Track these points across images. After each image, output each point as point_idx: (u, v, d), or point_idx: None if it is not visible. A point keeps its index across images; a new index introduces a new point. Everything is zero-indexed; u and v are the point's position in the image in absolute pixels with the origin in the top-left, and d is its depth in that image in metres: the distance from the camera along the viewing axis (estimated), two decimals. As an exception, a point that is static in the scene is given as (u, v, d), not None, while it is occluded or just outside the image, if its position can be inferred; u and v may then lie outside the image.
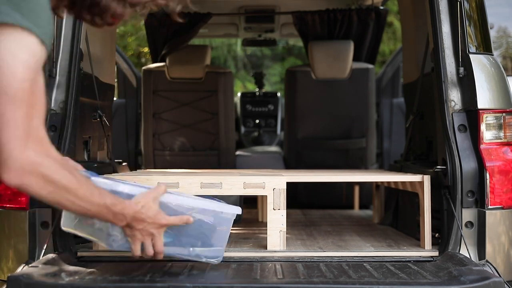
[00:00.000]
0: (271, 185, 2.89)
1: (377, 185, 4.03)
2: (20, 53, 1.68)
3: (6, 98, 1.66)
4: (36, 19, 1.70)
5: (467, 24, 2.97)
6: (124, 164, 3.82)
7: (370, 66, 5.16)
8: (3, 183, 1.73)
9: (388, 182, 3.52)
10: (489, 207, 2.81)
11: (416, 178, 3.02)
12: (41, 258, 2.72)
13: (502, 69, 2.99)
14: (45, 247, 2.77)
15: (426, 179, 2.95)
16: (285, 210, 2.89)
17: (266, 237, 2.90)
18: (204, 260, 2.37)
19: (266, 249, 2.89)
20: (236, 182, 2.90)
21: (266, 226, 2.91)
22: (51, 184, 1.79)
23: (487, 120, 2.87)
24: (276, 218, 2.88)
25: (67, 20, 2.98)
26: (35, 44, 1.70)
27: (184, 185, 2.89)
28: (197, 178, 2.91)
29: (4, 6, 1.67)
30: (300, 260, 2.76)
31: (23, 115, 1.69)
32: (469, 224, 2.83)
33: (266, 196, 2.90)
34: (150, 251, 2.21)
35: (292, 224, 3.82)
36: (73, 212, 2.01)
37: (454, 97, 2.94)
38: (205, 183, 2.89)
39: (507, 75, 3.02)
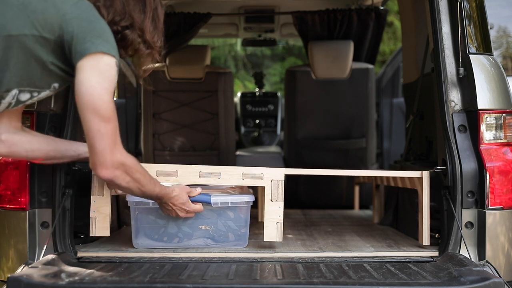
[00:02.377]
0: (269, 176, 2.89)
1: (377, 185, 4.03)
2: (103, 81, 2.23)
3: (99, 118, 2.23)
4: (111, 44, 2.26)
5: (467, 24, 2.97)
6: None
7: (370, 66, 5.16)
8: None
9: (388, 182, 3.52)
10: (489, 207, 2.80)
11: (415, 174, 3.02)
12: (41, 258, 2.72)
13: (502, 69, 2.99)
14: (45, 247, 2.77)
15: (425, 175, 2.95)
16: (283, 202, 2.88)
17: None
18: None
19: (264, 243, 2.90)
20: (235, 172, 2.90)
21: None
22: (128, 176, 2.40)
23: (487, 120, 2.87)
24: (273, 210, 2.88)
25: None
26: (112, 66, 2.25)
27: (183, 174, 2.89)
28: (196, 167, 2.90)
29: (95, 39, 2.22)
30: (300, 260, 2.77)
31: (111, 129, 2.26)
32: (469, 224, 2.83)
33: (264, 187, 2.89)
34: (180, 216, 2.86)
35: (292, 224, 3.82)
36: (136, 195, 2.59)
37: (454, 97, 2.94)
38: (204, 172, 2.89)
39: (507, 75, 3.02)
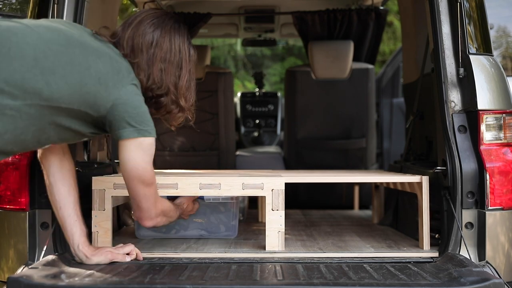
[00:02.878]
0: (270, 186, 2.89)
1: (377, 185, 4.02)
2: (146, 157, 2.52)
3: (144, 185, 2.55)
4: (151, 127, 2.50)
5: (467, 24, 2.97)
6: (124, 164, 3.81)
7: (370, 66, 5.16)
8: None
9: (388, 184, 3.52)
10: (489, 208, 2.80)
11: (414, 179, 3.02)
12: (41, 259, 2.72)
13: (502, 70, 2.99)
14: (45, 248, 2.77)
15: (425, 180, 2.95)
16: (284, 211, 2.89)
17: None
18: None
19: (263, 243, 2.90)
20: (235, 183, 2.91)
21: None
22: (165, 218, 2.78)
23: (487, 121, 2.87)
24: (275, 219, 2.88)
25: (67, 20, 2.97)
26: (153, 144, 2.52)
27: (183, 186, 2.90)
28: (196, 179, 2.91)
29: (138, 124, 2.45)
30: (300, 261, 2.76)
31: (154, 191, 2.61)
32: (469, 225, 2.82)
33: (265, 196, 2.91)
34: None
35: (292, 224, 3.82)
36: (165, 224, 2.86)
37: (454, 97, 2.94)
38: (204, 184, 2.90)
39: (507, 75, 3.02)
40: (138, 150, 2.49)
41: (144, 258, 2.78)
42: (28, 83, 2.24)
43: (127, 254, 2.74)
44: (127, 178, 2.54)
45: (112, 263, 2.66)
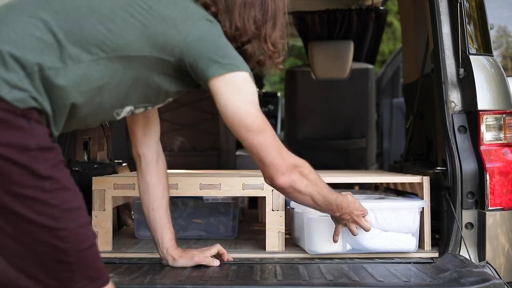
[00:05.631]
0: (270, 186, 2.89)
1: (377, 185, 4.02)
2: (245, 97, 2.16)
3: (254, 132, 2.19)
4: (239, 60, 2.15)
5: (467, 24, 2.97)
6: (124, 164, 3.82)
7: (370, 66, 5.16)
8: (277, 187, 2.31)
9: (388, 183, 3.52)
10: (489, 208, 2.80)
11: (415, 179, 3.02)
12: (41, 259, 2.71)
13: (502, 70, 2.99)
14: (45, 248, 2.77)
15: (426, 180, 2.95)
16: (284, 211, 2.89)
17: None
18: None
19: (263, 244, 2.90)
20: (235, 183, 2.91)
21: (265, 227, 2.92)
22: (305, 180, 2.31)
23: (487, 121, 2.86)
24: (275, 219, 2.88)
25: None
26: (248, 80, 2.15)
27: (183, 186, 2.90)
28: (197, 179, 2.91)
29: (222, 59, 2.11)
30: (300, 261, 2.76)
31: (272, 137, 2.23)
32: (469, 225, 2.82)
33: (265, 197, 2.91)
34: (355, 231, 2.63)
35: (292, 224, 3.81)
36: (315, 205, 2.42)
37: (454, 98, 2.94)
38: (204, 184, 2.90)
39: (507, 76, 3.02)
40: (232, 90, 2.14)
41: (144, 258, 2.78)
42: (88, 35, 1.98)
43: (216, 255, 2.63)
44: (231, 128, 2.20)
45: (113, 262, 2.66)
